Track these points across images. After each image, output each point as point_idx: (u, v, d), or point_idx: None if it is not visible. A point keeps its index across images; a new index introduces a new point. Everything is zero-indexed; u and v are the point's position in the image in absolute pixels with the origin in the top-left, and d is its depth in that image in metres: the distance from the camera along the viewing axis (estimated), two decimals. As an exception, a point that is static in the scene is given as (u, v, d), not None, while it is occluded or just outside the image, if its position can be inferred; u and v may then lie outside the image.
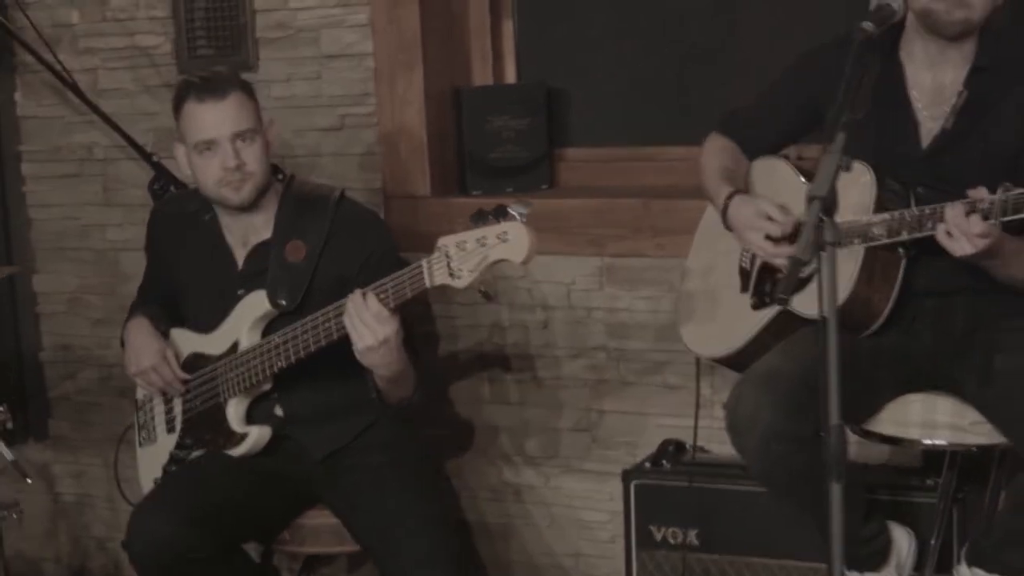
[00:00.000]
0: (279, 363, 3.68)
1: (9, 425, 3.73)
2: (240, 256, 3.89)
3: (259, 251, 3.86)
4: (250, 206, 3.81)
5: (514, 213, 3.25)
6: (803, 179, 3.55)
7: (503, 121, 4.48)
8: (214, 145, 3.72)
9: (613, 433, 4.35)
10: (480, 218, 3.30)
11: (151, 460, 4.00)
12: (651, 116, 4.53)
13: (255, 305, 3.81)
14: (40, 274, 5.03)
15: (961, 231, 3.14)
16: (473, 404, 4.53)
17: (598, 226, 4.27)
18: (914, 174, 3.38)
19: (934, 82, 3.43)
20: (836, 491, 2.93)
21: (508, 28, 4.64)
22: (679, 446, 4.09)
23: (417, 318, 4.12)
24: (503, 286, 4.37)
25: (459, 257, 3.30)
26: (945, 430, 3.43)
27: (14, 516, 3.85)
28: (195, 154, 3.76)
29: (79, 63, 4.82)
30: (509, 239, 3.25)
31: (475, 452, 4.55)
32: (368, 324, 3.45)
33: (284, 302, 3.77)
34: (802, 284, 3.42)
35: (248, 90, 3.80)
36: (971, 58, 3.39)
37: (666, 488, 3.99)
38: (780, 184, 3.59)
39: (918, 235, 3.26)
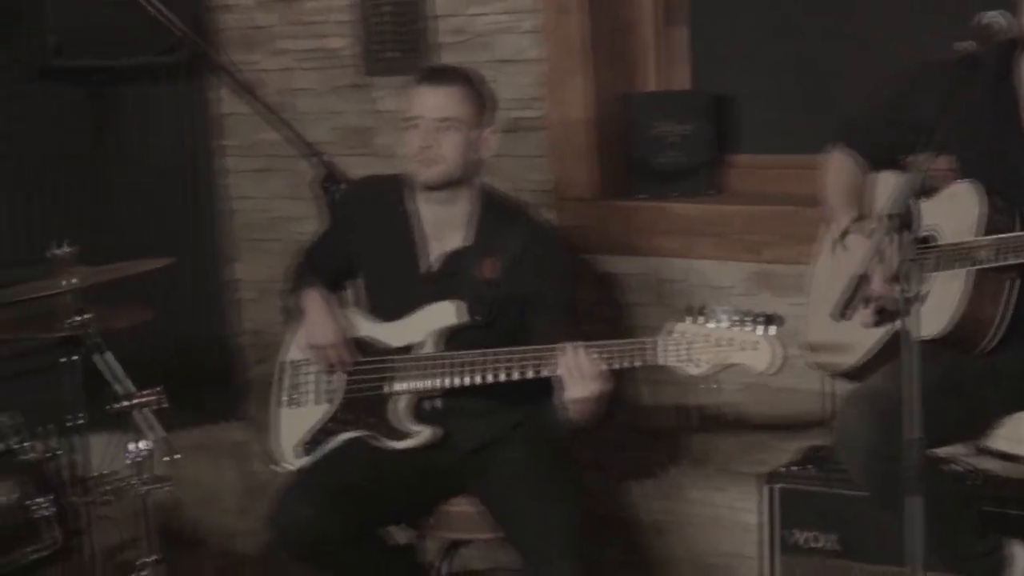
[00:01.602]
0: (472, 379, 3.82)
1: (164, 404, 3.94)
2: (433, 253, 4.02)
3: (455, 257, 3.99)
4: (440, 190, 3.95)
5: (768, 325, 3.44)
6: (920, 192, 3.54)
7: (669, 126, 4.55)
8: (418, 122, 3.91)
9: (770, 438, 4.40)
10: (726, 315, 3.48)
11: (297, 423, 4.13)
12: (823, 124, 4.52)
13: (446, 314, 3.94)
14: (239, 262, 5.30)
15: None
16: (636, 409, 4.61)
17: (755, 232, 4.31)
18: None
19: None
20: (915, 504, 2.97)
21: (682, 35, 4.70)
22: (825, 451, 4.11)
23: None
24: (662, 289, 4.45)
25: (701, 347, 3.50)
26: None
27: (166, 490, 4.04)
28: (404, 129, 3.95)
29: (275, 63, 5.08)
30: (759, 349, 3.45)
31: (638, 452, 4.64)
32: (587, 379, 3.62)
33: (479, 318, 3.91)
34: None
35: (473, 90, 3.96)
36: None
37: (808, 493, 4.01)
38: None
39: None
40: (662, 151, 4.55)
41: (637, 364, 3.60)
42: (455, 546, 4.16)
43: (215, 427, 5.46)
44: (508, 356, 3.75)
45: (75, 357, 3.97)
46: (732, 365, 3.49)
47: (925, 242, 3.50)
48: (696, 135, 4.56)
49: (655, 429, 4.59)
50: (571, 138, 4.57)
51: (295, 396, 4.18)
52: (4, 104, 5.00)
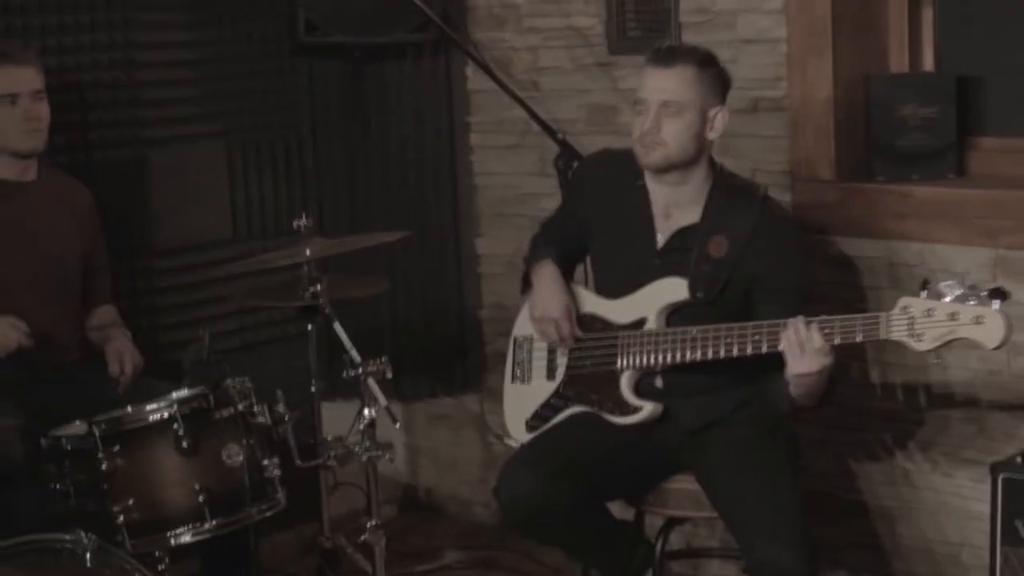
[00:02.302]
0: (693, 355, 3.86)
1: (388, 375, 4.05)
2: (662, 231, 4.05)
3: (683, 234, 4.02)
4: (664, 172, 3.99)
5: (992, 299, 3.42)
6: None
7: (911, 109, 4.48)
8: (643, 105, 3.96)
9: (1001, 425, 4.32)
10: (951, 289, 3.48)
11: (522, 399, 4.24)
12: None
13: (671, 291, 3.98)
14: (483, 237, 5.40)
15: None
16: (863, 389, 4.58)
17: (993, 217, 4.24)
18: None
19: None
20: None
21: (928, 16, 4.63)
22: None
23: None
24: (898, 272, 4.41)
25: (925, 322, 3.48)
26: None
27: (388, 457, 4.16)
28: (636, 112, 4.00)
29: (523, 41, 5.15)
30: (985, 323, 3.42)
31: (869, 436, 4.60)
32: (808, 353, 3.63)
33: (702, 295, 3.94)
34: None
35: (702, 71, 3.95)
36: None
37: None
38: None
39: None
40: (904, 133, 4.49)
41: (859, 339, 3.60)
42: (672, 523, 4.18)
43: (456, 399, 5.58)
44: (729, 332, 3.77)
45: (309, 327, 4.11)
46: (957, 340, 3.45)
47: None
48: (939, 117, 4.48)
49: (884, 411, 4.54)
50: (812, 119, 4.54)
51: (519, 372, 4.26)
52: (261, 79, 5.20)
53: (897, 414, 4.52)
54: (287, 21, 5.04)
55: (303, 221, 4.07)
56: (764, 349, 3.72)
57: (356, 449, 4.05)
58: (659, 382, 4.03)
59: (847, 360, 4.47)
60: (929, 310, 3.48)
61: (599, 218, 4.17)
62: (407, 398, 5.60)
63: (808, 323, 3.63)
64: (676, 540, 4.62)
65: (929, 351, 3.51)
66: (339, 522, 5.46)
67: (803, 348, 3.62)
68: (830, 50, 4.49)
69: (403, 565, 5.18)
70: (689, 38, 4.72)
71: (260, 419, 3.90)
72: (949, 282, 3.48)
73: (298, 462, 3.99)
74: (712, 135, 3.98)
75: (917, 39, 4.65)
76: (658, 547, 4.12)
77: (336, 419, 4.73)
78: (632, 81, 4.83)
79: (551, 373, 4.19)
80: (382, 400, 3.99)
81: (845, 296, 4.51)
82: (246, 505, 3.88)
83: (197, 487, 3.78)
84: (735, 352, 3.77)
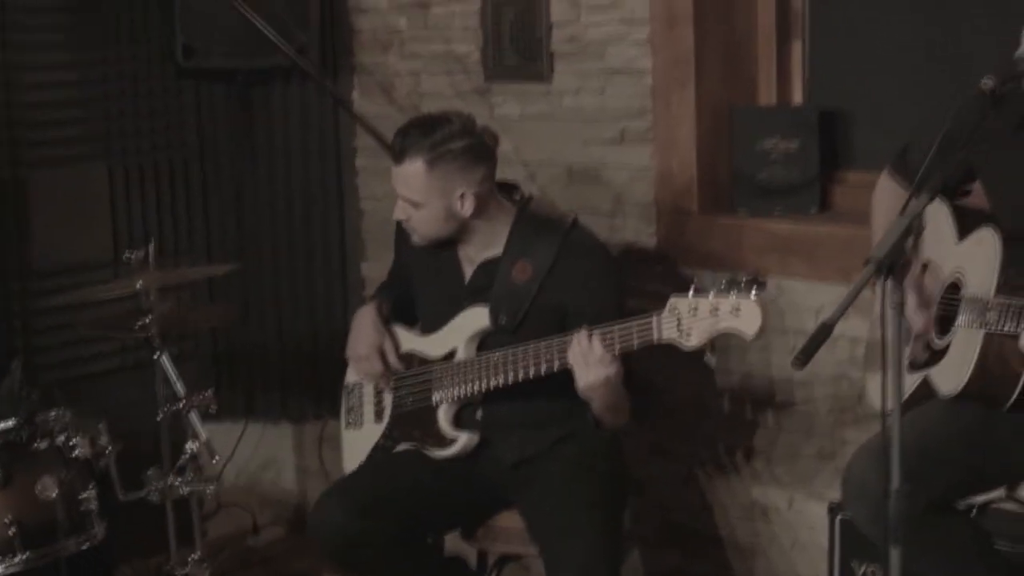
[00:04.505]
0: (496, 381, 3.89)
1: (212, 409, 4.05)
2: (468, 269, 4.08)
3: (488, 267, 4.03)
4: (443, 243, 4.03)
5: (749, 290, 3.43)
6: (957, 231, 3.44)
7: (773, 142, 4.47)
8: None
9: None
10: (714, 285, 3.49)
11: (356, 444, 4.26)
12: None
13: (475, 319, 4.01)
14: (368, 261, 5.40)
15: None
16: (731, 423, 4.57)
17: (846, 255, 4.22)
18: None
19: None
20: (894, 556, 2.89)
21: (797, 50, 4.62)
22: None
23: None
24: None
25: (691, 319, 3.50)
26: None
27: (210, 491, 4.14)
28: None
29: (405, 66, 5.16)
30: (742, 313, 3.44)
31: (728, 472, 4.60)
32: (592, 365, 3.64)
33: (504, 321, 3.96)
34: (937, 357, 3.35)
35: (433, 165, 3.87)
36: None
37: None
38: (936, 230, 3.50)
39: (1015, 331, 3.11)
40: (765, 167, 4.48)
41: (637, 344, 3.61)
42: (505, 560, 4.18)
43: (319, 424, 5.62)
44: (525, 353, 3.79)
45: (156, 355, 4.10)
46: (721, 333, 3.47)
47: (954, 288, 3.41)
48: (801, 151, 4.46)
49: (745, 446, 4.55)
50: (676, 151, 4.54)
51: (352, 417, 4.29)
52: (145, 100, 5.20)
53: (755, 449, 4.52)
54: (166, 45, 5.04)
55: (133, 253, 4.07)
56: (556, 367, 3.73)
57: (178, 483, 4.03)
58: (479, 414, 4.06)
59: (723, 391, 4.51)
60: (694, 307, 3.49)
61: (416, 261, 4.20)
62: (296, 419, 5.61)
63: (589, 333, 3.64)
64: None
65: (698, 347, 3.52)
66: (224, 543, 5.52)
67: (587, 360, 3.63)
68: (693, 81, 4.48)
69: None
70: (562, 67, 4.73)
71: (79, 452, 3.89)
72: (713, 275, 3.50)
73: (120, 496, 3.98)
74: (466, 212, 3.93)
75: (787, 73, 4.65)
76: (491, 583, 4.14)
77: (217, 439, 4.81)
78: (508, 108, 4.87)
79: (378, 415, 4.21)
80: (203, 435, 3.98)
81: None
82: (60, 539, 3.86)
83: (8, 520, 3.77)
84: (531, 373, 3.79)
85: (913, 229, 2.83)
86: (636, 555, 4.83)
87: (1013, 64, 3.09)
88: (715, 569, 4.65)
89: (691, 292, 3.51)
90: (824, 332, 2.79)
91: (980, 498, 3.50)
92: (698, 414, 4.58)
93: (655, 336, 3.58)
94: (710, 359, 3.64)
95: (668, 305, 3.56)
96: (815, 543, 4.40)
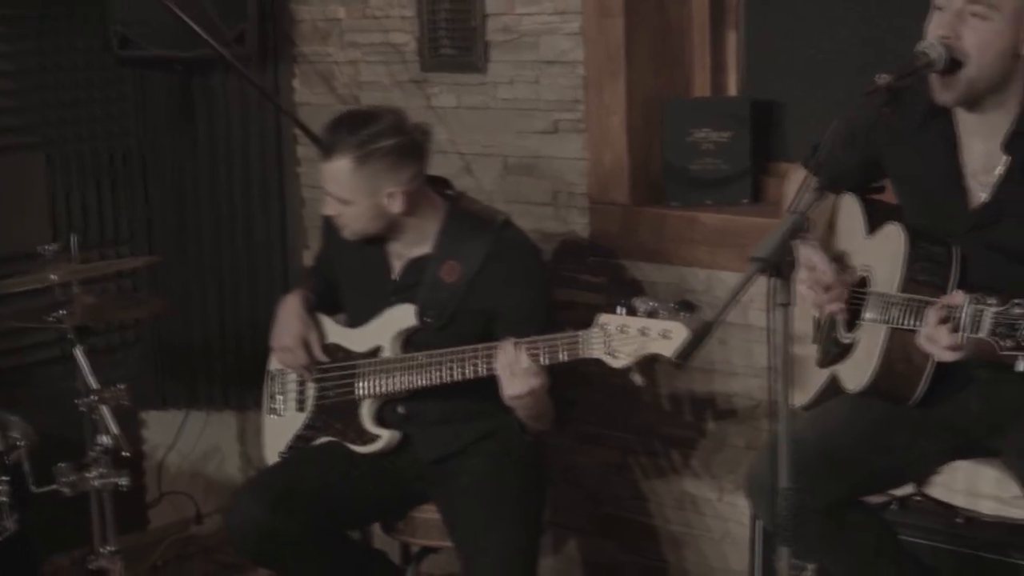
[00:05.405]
0: (420, 382, 3.88)
1: (125, 401, 4.04)
2: (397, 265, 4.06)
3: (416, 264, 4.02)
4: (373, 239, 4.00)
5: (680, 313, 3.44)
6: (867, 225, 3.44)
7: (704, 133, 4.47)
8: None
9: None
10: (645, 305, 3.49)
11: (277, 431, 4.24)
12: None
13: (401, 318, 4.00)
14: (310, 249, 5.39)
15: (931, 339, 2.98)
16: (658, 415, 4.57)
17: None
18: (962, 243, 3.21)
19: (984, 147, 3.23)
20: (784, 554, 2.90)
21: (731, 40, 4.61)
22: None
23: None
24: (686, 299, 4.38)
25: (620, 339, 3.50)
26: (988, 501, 3.27)
27: (122, 484, 4.11)
28: None
29: (345, 56, 5.14)
30: (672, 337, 3.43)
31: (660, 461, 4.59)
32: (518, 375, 3.64)
33: (430, 320, 3.95)
34: (845, 352, 3.36)
35: (362, 163, 3.83)
36: (1013, 122, 3.17)
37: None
38: (848, 225, 3.50)
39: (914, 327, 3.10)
40: (696, 158, 4.47)
41: (564, 358, 3.60)
42: (424, 552, 4.19)
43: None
44: (451, 356, 3.78)
45: (75, 348, 4.08)
46: (649, 355, 3.46)
47: (862, 283, 3.40)
48: (733, 142, 4.46)
49: (676, 437, 4.55)
50: (608, 142, 4.53)
51: (274, 405, 4.27)
52: (84, 90, 5.19)
53: (687, 440, 4.52)
54: (102, 35, 5.02)
55: (48, 247, 4.06)
56: (483, 372, 3.73)
57: (88, 475, 4.03)
58: (401, 409, 4.04)
59: (654, 380, 4.51)
60: (622, 326, 3.48)
61: (345, 254, 4.17)
62: (238, 407, 5.60)
63: (517, 344, 3.63)
64: (436, 569, 4.63)
65: (624, 368, 3.51)
66: (169, 530, 5.52)
67: (513, 370, 3.62)
68: (624, 73, 4.47)
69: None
70: (496, 57, 4.72)
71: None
72: (644, 297, 3.49)
73: (32, 488, 3.96)
74: (395, 210, 3.91)
75: (722, 64, 4.63)
76: (410, 575, 4.13)
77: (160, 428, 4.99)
78: (443, 99, 4.86)
79: (301, 404, 4.20)
80: (113, 428, 3.97)
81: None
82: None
83: (-83, 514, 3.77)
84: (456, 376, 3.78)
85: (799, 227, 2.82)
86: (572, 545, 4.85)
87: (912, 58, 3.07)
88: (649, 560, 4.66)
89: (621, 310, 3.50)
90: (705, 330, 2.80)
91: (898, 492, 3.50)
92: (628, 403, 4.57)
93: (582, 352, 3.58)
94: (636, 378, 3.59)
95: (596, 322, 3.55)
96: (745, 536, 4.39)
